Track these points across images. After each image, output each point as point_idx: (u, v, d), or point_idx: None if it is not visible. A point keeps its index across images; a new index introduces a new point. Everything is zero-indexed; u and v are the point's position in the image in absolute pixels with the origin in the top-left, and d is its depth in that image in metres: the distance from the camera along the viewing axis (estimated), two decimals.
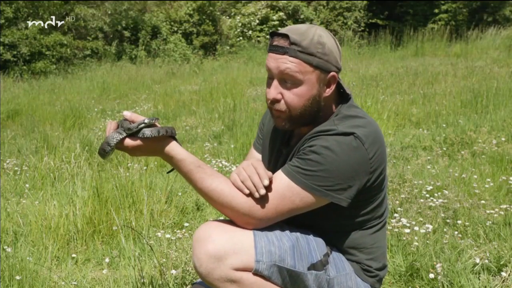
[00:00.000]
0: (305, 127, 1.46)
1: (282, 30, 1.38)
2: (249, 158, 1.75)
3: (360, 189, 1.37)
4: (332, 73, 1.38)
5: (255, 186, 1.32)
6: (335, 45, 1.39)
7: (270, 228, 1.38)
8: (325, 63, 1.36)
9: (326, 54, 1.36)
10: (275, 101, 1.39)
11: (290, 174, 1.35)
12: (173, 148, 1.35)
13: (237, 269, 1.31)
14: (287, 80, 1.36)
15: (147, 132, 1.32)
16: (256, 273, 1.33)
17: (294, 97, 1.37)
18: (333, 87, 1.41)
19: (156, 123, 1.36)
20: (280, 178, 1.36)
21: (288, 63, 1.34)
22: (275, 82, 1.38)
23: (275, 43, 1.37)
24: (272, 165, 1.58)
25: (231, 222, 1.38)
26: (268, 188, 1.34)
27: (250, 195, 1.33)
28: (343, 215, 1.43)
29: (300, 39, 1.34)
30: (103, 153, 1.35)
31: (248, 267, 1.32)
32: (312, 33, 1.36)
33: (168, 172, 1.54)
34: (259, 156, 1.71)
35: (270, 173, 1.36)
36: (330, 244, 1.47)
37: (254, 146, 1.75)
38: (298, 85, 1.36)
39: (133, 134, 1.33)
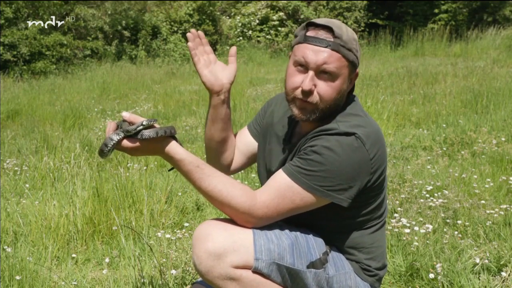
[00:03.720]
0: (311, 124, 1.44)
1: (320, 22, 1.36)
2: (238, 136, 1.72)
3: (360, 189, 1.37)
4: (357, 70, 1.42)
5: None
6: None
7: (269, 226, 1.38)
8: (357, 60, 1.38)
9: (358, 50, 1.38)
10: (310, 92, 1.36)
11: (291, 173, 1.35)
12: (172, 148, 1.35)
13: (237, 267, 1.31)
14: (325, 73, 1.35)
15: (146, 133, 1.33)
16: (256, 271, 1.33)
17: (328, 89, 1.36)
18: (353, 83, 1.45)
19: (155, 124, 1.37)
20: (281, 178, 1.36)
21: (329, 58, 1.33)
22: (311, 74, 1.35)
23: (314, 34, 1.35)
24: (273, 160, 1.57)
25: (231, 220, 1.38)
26: (269, 186, 1.35)
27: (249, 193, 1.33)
28: (343, 215, 1.43)
29: (341, 32, 1.34)
30: (102, 153, 1.37)
31: (248, 265, 1.32)
32: (345, 28, 1.36)
33: (169, 170, 1.54)
34: (249, 137, 1.69)
35: None
36: (330, 244, 1.47)
37: (248, 127, 1.73)
38: (334, 79, 1.36)
39: (131, 136, 1.34)
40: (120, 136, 1.34)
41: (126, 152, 1.38)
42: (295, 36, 1.42)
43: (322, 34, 1.34)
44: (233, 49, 1.54)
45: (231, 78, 1.54)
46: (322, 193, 1.33)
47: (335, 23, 1.36)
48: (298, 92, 1.38)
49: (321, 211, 1.39)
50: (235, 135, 1.71)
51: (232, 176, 1.70)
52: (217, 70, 1.53)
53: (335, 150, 1.32)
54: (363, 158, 1.33)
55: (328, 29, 1.34)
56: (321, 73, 1.35)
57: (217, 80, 1.51)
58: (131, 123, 1.36)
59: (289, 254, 1.35)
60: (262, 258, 1.32)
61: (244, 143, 1.70)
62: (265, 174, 1.58)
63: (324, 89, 1.36)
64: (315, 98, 1.37)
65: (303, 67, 1.37)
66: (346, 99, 1.45)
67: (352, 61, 1.37)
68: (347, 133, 1.33)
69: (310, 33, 1.36)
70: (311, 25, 1.37)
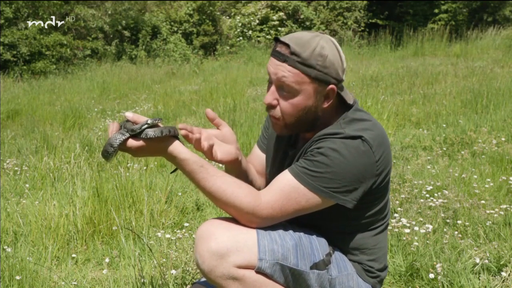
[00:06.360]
0: (307, 132, 1.45)
1: (285, 38, 1.37)
2: (251, 155, 1.75)
3: (366, 191, 1.37)
4: (331, 86, 1.37)
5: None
6: (338, 57, 1.37)
7: (273, 227, 1.38)
8: (324, 76, 1.35)
9: (326, 66, 1.34)
10: (271, 106, 1.40)
11: (297, 175, 1.35)
12: (176, 147, 1.35)
13: (240, 267, 1.31)
14: (284, 89, 1.37)
15: (150, 132, 1.32)
16: (259, 271, 1.33)
17: (288, 106, 1.37)
18: (331, 99, 1.40)
19: (159, 124, 1.36)
20: (287, 178, 1.36)
21: (285, 72, 1.34)
22: (273, 88, 1.39)
23: (277, 48, 1.38)
24: (277, 167, 1.57)
25: (234, 220, 1.38)
26: (274, 187, 1.36)
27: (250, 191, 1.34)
28: (348, 216, 1.43)
29: (300, 50, 1.33)
30: (106, 154, 1.34)
31: (251, 265, 1.32)
32: (315, 44, 1.34)
33: (171, 172, 1.54)
34: (262, 155, 1.71)
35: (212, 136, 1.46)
36: (333, 245, 1.47)
37: (257, 144, 1.76)
38: (294, 95, 1.36)
39: (136, 135, 1.33)
40: (125, 136, 1.32)
41: (129, 153, 1.37)
42: None
43: (282, 49, 1.36)
44: (209, 112, 1.51)
45: (234, 139, 1.55)
46: (327, 194, 1.33)
47: (302, 38, 1.35)
48: (266, 107, 1.43)
49: (326, 212, 1.39)
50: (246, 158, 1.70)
51: None
52: (221, 145, 1.52)
53: (341, 152, 1.32)
54: (369, 161, 1.34)
55: (287, 45, 1.35)
56: (281, 88, 1.37)
57: (229, 153, 1.52)
58: (134, 123, 1.34)
59: (292, 255, 1.35)
60: (265, 258, 1.32)
61: (259, 163, 1.71)
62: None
63: (284, 105, 1.38)
64: (277, 113, 1.40)
65: (269, 81, 1.41)
66: (341, 109, 1.43)
67: (316, 77, 1.34)
68: (353, 136, 1.33)
69: (275, 47, 1.39)
70: (276, 40, 1.40)
